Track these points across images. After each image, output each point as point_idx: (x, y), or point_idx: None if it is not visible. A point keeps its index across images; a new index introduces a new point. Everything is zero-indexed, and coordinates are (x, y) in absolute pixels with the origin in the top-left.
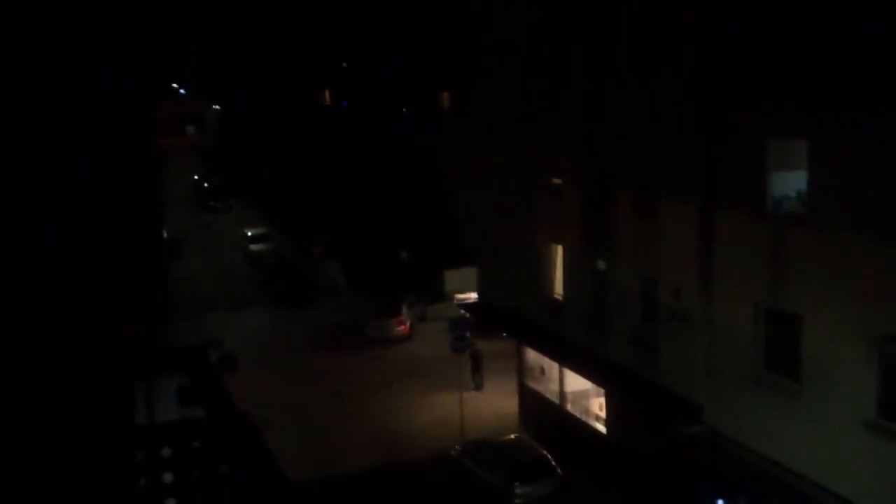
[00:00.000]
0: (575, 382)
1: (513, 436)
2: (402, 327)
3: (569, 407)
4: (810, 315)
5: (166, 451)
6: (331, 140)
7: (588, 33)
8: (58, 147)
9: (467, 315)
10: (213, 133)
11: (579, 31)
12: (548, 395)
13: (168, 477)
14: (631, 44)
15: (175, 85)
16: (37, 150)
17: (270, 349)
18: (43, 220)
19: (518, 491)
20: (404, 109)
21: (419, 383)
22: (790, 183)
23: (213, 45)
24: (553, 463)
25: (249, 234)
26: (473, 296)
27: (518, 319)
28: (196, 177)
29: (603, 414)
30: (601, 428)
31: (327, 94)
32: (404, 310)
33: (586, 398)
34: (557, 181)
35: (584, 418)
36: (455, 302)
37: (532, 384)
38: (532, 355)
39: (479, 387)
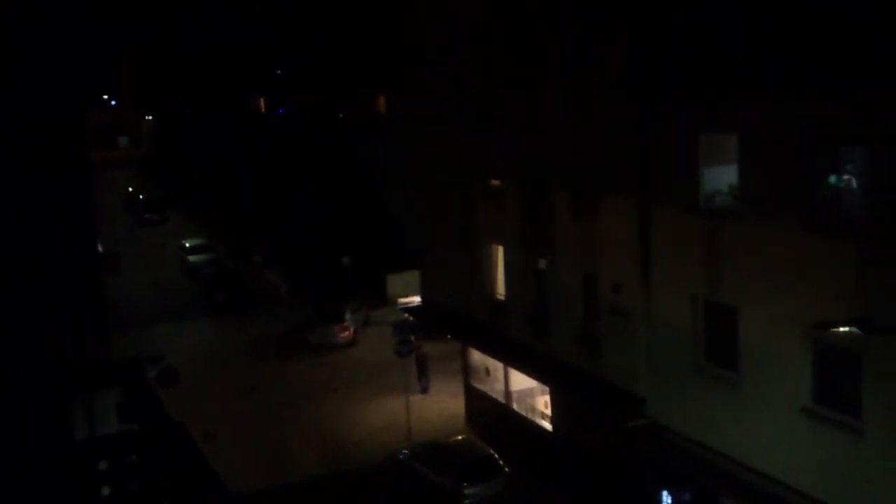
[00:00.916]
0: (520, 381)
1: (460, 437)
2: (347, 333)
3: (515, 406)
4: (746, 306)
5: (103, 465)
6: (268, 147)
7: (517, 36)
8: None
9: (411, 318)
10: (146, 144)
11: (509, 35)
12: (494, 395)
13: (105, 490)
14: (560, 43)
15: (106, 96)
16: None
17: (213, 360)
18: None
19: (467, 492)
20: (340, 115)
21: (365, 389)
22: (722, 177)
23: (145, 54)
24: (501, 462)
25: (187, 245)
26: (417, 299)
27: (462, 321)
28: (130, 189)
29: (548, 411)
30: (547, 425)
31: (262, 101)
32: (348, 315)
33: (532, 396)
34: (496, 182)
35: (530, 416)
36: (399, 306)
37: (478, 385)
38: (477, 356)
39: (425, 390)
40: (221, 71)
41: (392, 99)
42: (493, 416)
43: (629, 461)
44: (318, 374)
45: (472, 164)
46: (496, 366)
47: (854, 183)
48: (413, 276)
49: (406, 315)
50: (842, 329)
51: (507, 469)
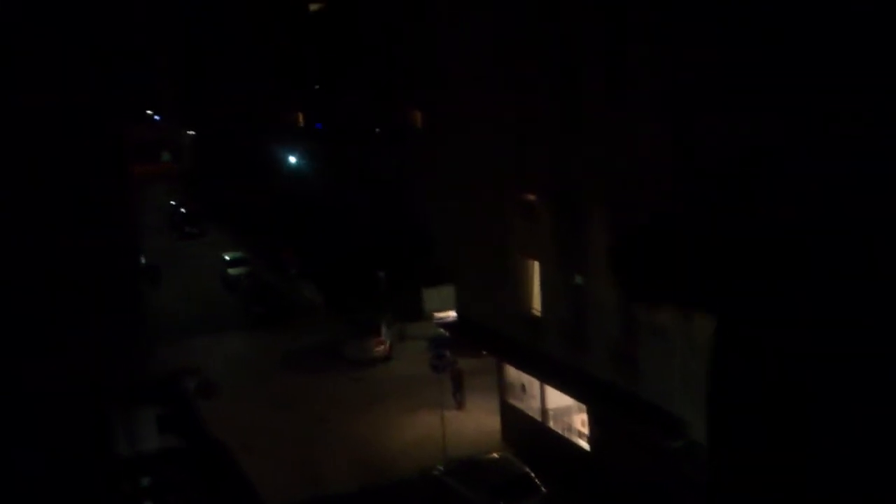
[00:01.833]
0: (556, 399)
1: (495, 454)
2: (382, 347)
3: (551, 424)
4: None
5: (145, 481)
6: (306, 162)
7: (553, 54)
8: (31, 176)
9: (447, 333)
10: (188, 158)
11: (545, 54)
12: (530, 413)
13: None
14: (597, 63)
15: (149, 111)
16: (12, 178)
17: (250, 373)
18: (17, 250)
19: None
20: (377, 130)
21: (400, 403)
22: None
23: (188, 70)
24: (537, 481)
25: (227, 258)
26: (453, 314)
27: (497, 336)
28: (172, 202)
29: (586, 430)
30: (584, 444)
31: (300, 116)
32: (384, 329)
33: (568, 415)
34: (531, 197)
35: (566, 435)
36: (434, 320)
37: (513, 401)
38: (513, 372)
39: (460, 405)
40: (259, 88)
41: (428, 114)
42: (529, 434)
43: (669, 483)
44: (354, 388)
45: (506, 179)
46: (532, 382)
47: None
48: (449, 291)
49: (441, 330)
50: None
51: (543, 488)
